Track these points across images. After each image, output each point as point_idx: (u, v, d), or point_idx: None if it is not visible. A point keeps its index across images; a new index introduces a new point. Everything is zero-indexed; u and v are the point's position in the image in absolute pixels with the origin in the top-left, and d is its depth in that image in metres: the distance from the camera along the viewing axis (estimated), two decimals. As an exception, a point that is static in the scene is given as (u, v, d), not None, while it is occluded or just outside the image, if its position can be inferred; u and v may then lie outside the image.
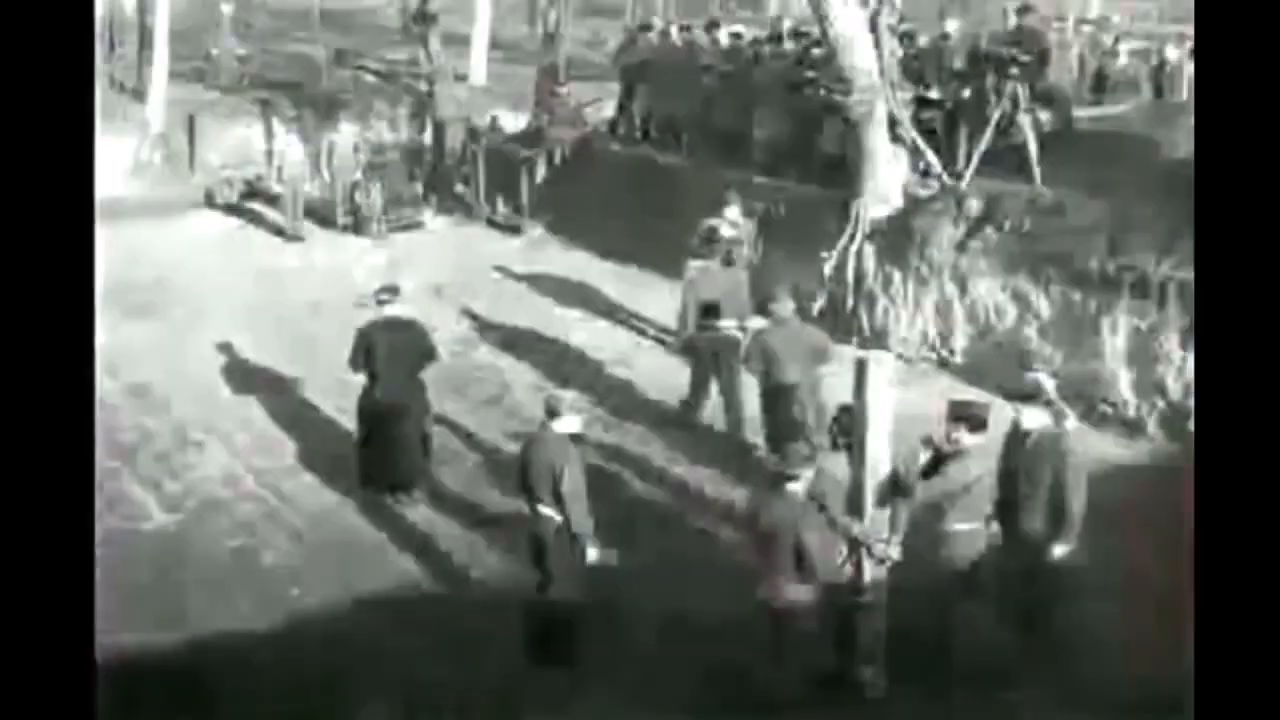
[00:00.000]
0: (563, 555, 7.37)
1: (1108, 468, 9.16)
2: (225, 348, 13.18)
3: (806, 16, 15.58)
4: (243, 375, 12.38)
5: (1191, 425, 9.00)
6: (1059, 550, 7.06)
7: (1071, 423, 7.48)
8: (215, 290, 15.10)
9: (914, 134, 12.80)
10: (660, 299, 14.68)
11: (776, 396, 9.68)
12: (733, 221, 11.66)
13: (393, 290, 9.98)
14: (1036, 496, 7.06)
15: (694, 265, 10.88)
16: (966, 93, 13.29)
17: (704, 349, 10.65)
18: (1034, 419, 7.08)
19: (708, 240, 11.71)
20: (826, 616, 6.83)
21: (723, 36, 16.23)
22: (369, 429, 9.84)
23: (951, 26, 13.77)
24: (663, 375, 12.31)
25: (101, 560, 7.39)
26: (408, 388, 9.73)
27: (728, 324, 10.55)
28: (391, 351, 9.65)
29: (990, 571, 7.68)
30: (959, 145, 13.15)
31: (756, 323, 10.04)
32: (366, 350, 9.71)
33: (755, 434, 10.15)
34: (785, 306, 9.81)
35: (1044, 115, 12.91)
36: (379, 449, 9.76)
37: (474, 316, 14.27)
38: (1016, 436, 7.22)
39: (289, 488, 9.98)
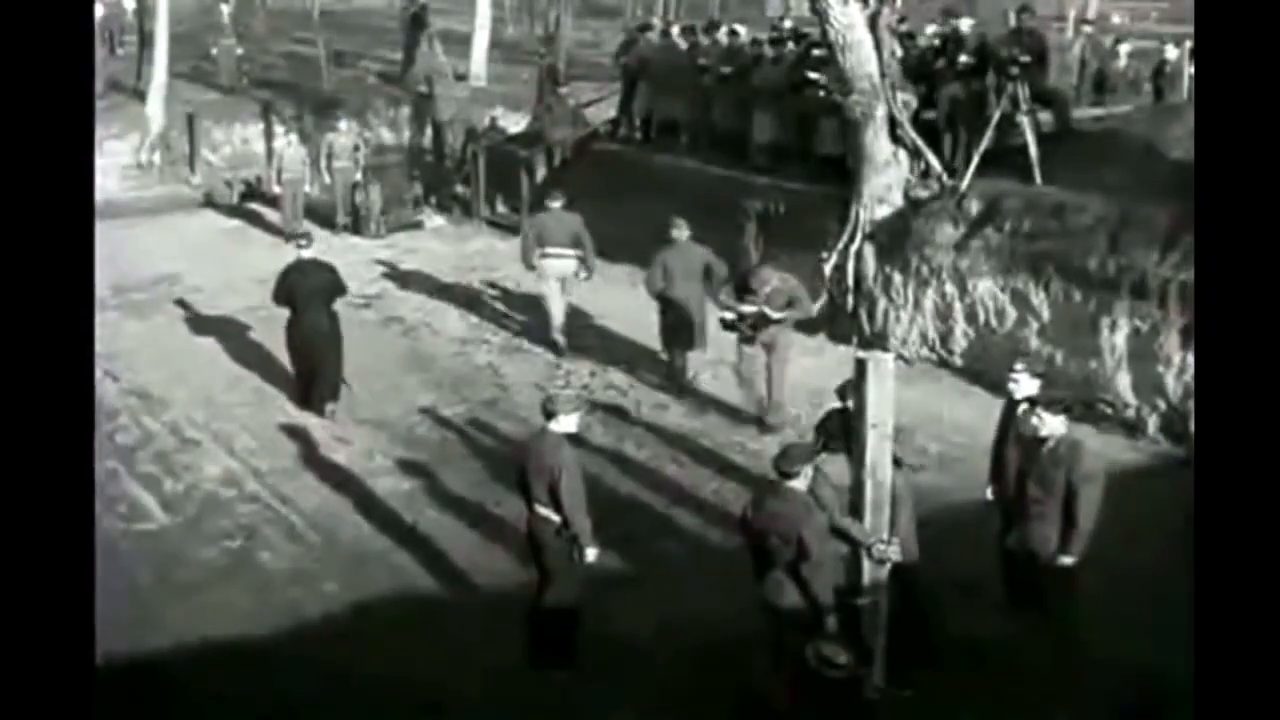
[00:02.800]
0: (561, 556, 7.36)
1: (1107, 468, 9.15)
2: (225, 348, 13.18)
3: (807, 17, 15.61)
4: (243, 376, 12.38)
5: (1191, 426, 9.04)
6: (1066, 560, 7.04)
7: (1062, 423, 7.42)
8: (215, 291, 15.11)
9: (914, 134, 12.80)
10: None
11: (670, 306, 11.77)
12: (774, 286, 10.81)
13: (307, 236, 12.13)
14: (1049, 504, 7.04)
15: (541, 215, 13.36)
16: (964, 91, 13.29)
17: (549, 274, 12.93)
18: (1053, 426, 7.05)
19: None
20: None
21: (722, 37, 16.24)
22: (295, 356, 11.50)
23: (965, 26, 13.71)
24: (661, 376, 12.32)
25: (101, 561, 7.40)
26: (323, 317, 11.41)
27: (565, 253, 12.79)
28: (308, 287, 11.35)
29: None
30: (959, 146, 13.15)
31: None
32: (288, 286, 11.35)
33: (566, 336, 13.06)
34: (681, 232, 11.86)
35: (1044, 116, 12.91)
36: (304, 371, 11.47)
37: (474, 317, 14.28)
38: (1031, 443, 7.21)
39: (289, 489, 9.97)
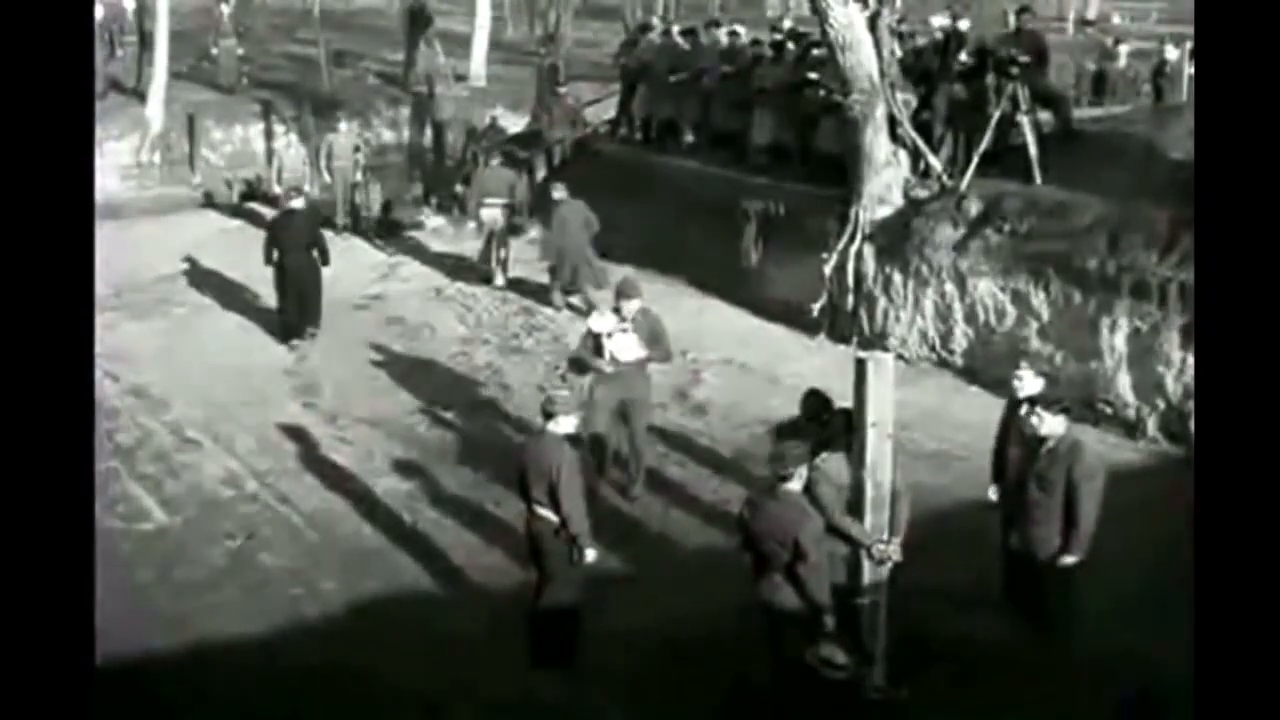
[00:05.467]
0: (560, 556, 7.36)
1: (1107, 468, 9.15)
2: (225, 348, 13.18)
3: (807, 17, 15.60)
4: (243, 376, 12.37)
5: (1191, 426, 9.04)
6: (1068, 560, 7.04)
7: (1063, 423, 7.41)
8: (215, 290, 15.12)
9: (913, 134, 12.80)
10: (659, 298, 14.68)
11: (566, 249, 14.17)
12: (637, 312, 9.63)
13: (299, 190, 14.77)
14: (1049, 505, 7.04)
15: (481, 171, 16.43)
16: (964, 91, 13.30)
17: (487, 224, 15.47)
18: (1052, 426, 7.05)
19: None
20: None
21: (722, 37, 16.24)
22: (281, 293, 13.26)
23: (962, 25, 13.69)
24: (661, 376, 12.31)
25: (101, 561, 7.39)
26: (305, 259, 13.24)
27: (499, 202, 15.29)
28: (293, 232, 13.27)
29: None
30: (959, 146, 13.15)
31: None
32: (275, 231, 13.33)
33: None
34: (562, 192, 14.44)
35: (1044, 116, 12.91)
36: (289, 307, 13.24)
37: (473, 317, 14.28)
38: (1032, 442, 7.20)
39: (289, 489, 9.97)
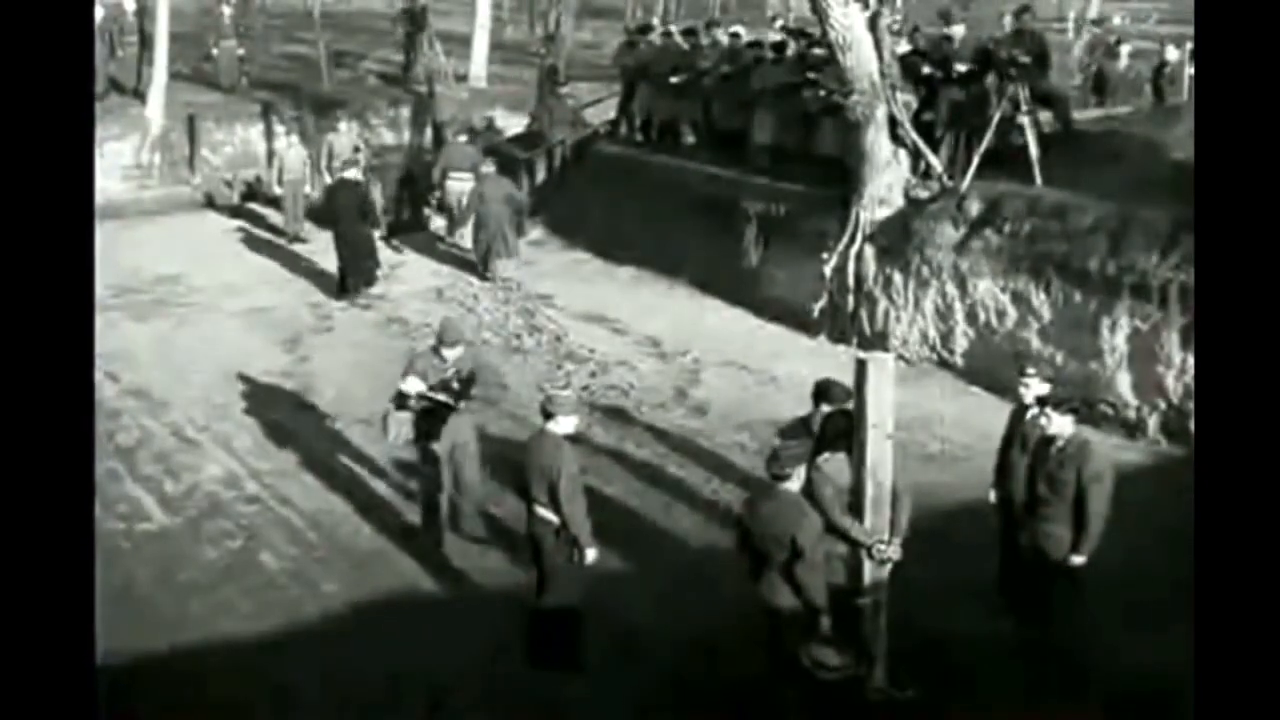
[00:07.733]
0: (560, 557, 7.36)
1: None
2: (225, 349, 13.18)
3: (807, 17, 15.60)
4: (243, 376, 12.37)
5: (1191, 426, 9.04)
6: (1076, 560, 7.04)
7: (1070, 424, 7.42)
8: (215, 291, 15.12)
9: (914, 135, 12.79)
10: (659, 298, 14.69)
11: (485, 221, 15.49)
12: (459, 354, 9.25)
13: (354, 162, 15.80)
14: (1059, 505, 7.04)
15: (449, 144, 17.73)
16: (964, 93, 13.29)
17: (452, 192, 16.78)
18: (1060, 426, 7.05)
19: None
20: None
21: (723, 38, 16.24)
22: (340, 253, 14.97)
23: (957, 33, 13.66)
24: (661, 376, 12.32)
25: (101, 561, 7.39)
26: (356, 224, 15.06)
27: (464, 176, 16.40)
28: (346, 200, 15.03)
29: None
30: (959, 146, 13.14)
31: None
32: (330, 198, 15.43)
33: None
34: (488, 166, 16.02)
35: (1044, 116, 12.91)
36: (347, 266, 14.96)
37: (474, 317, 14.28)
38: (1041, 443, 7.20)
39: (289, 489, 9.97)
